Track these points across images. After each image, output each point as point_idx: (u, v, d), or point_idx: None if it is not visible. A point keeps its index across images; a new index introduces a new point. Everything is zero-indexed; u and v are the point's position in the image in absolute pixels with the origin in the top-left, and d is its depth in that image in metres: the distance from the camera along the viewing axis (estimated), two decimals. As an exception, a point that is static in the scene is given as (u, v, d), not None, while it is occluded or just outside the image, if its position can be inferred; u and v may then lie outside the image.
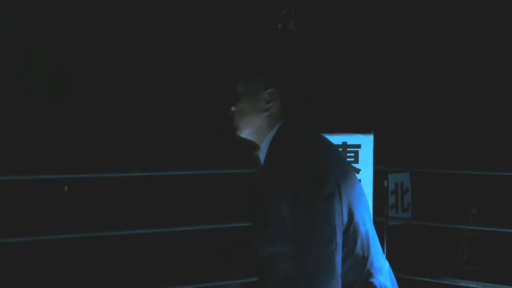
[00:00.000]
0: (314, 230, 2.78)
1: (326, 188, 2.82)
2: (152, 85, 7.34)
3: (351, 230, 2.90)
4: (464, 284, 5.59)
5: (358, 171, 4.88)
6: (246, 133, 3.06)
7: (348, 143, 4.99)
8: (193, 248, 6.82)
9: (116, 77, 7.15)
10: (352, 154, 4.95)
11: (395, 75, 7.57)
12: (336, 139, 4.84)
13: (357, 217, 2.90)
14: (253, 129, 3.03)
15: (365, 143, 5.07)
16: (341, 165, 2.96)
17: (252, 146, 3.12)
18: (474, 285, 5.46)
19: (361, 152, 4.96)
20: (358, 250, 2.93)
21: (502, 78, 6.98)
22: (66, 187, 6.56)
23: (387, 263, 3.11)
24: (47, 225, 6.32)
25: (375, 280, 2.95)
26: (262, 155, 3.02)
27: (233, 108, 3.04)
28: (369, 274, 2.95)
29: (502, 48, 7.00)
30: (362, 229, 2.95)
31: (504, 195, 6.75)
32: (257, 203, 2.99)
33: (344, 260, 2.87)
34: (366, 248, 2.96)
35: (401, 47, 7.56)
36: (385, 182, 5.64)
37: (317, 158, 2.90)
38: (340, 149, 4.92)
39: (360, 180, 4.77)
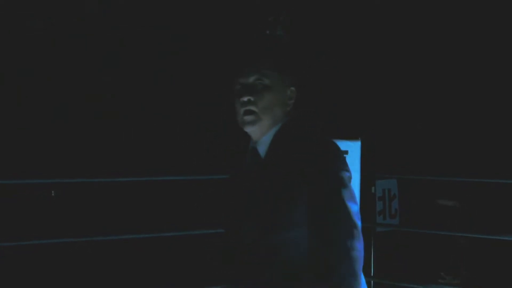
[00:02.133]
0: (344, 203, 2.89)
1: (349, 171, 2.97)
2: (151, 86, 7.36)
3: None
4: (449, 291, 5.61)
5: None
6: (262, 124, 3.02)
7: (335, 149, 4.98)
8: (193, 248, 6.85)
9: (113, 78, 7.18)
10: (339, 160, 4.95)
11: (383, 82, 7.57)
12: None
13: None
14: (271, 121, 3.02)
15: (353, 150, 5.08)
16: None
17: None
18: (459, 292, 5.50)
19: (349, 158, 4.95)
20: None
21: (490, 88, 6.97)
22: (53, 192, 6.58)
23: None
24: (35, 229, 6.35)
25: None
26: (261, 148, 3.04)
27: (251, 98, 2.98)
28: None
29: (490, 56, 6.99)
30: None
31: (493, 202, 6.75)
32: (258, 192, 3.00)
33: None
34: None
35: (390, 56, 7.56)
36: (373, 188, 5.65)
37: (337, 145, 3.02)
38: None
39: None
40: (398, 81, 7.46)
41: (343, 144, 5.03)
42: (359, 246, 2.88)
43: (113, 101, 7.08)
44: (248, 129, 3.00)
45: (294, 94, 3.07)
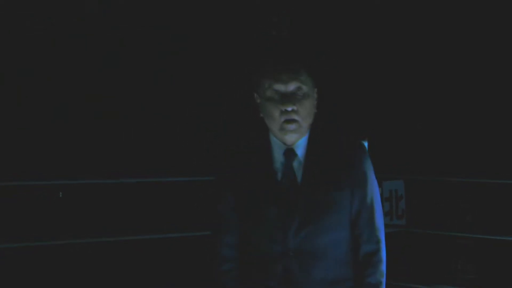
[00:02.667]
0: (379, 202, 3.16)
1: None
2: (151, 86, 7.33)
3: None
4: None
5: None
6: (302, 131, 3.09)
7: (342, 150, 4.96)
8: (193, 249, 6.83)
9: (113, 78, 7.14)
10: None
11: (389, 81, 7.55)
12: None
13: None
14: (308, 127, 3.11)
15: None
16: None
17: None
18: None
19: (355, 159, 4.92)
20: None
21: (495, 86, 6.96)
22: (60, 193, 6.55)
23: None
24: (41, 231, 6.32)
25: None
26: (300, 150, 3.09)
27: (294, 108, 3.02)
28: None
29: (494, 56, 6.98)
30: None
31: (498, 203, 6.74)
32: (302, 195, 3.05)
33: None
34: None
35: (396, 54, 7.54)
36: (380, 189, 5.64)
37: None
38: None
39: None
40: (406, 81, 7.44)
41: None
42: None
43: (113, 101, 7.04)
44: (290, 138, 3.06)
45: (318, 95, 3.15)
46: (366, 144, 5.18)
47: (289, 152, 3.09)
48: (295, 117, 3.02)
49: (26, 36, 6.86)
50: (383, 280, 3.14)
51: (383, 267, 3.12)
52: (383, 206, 6.09)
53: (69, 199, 6.65)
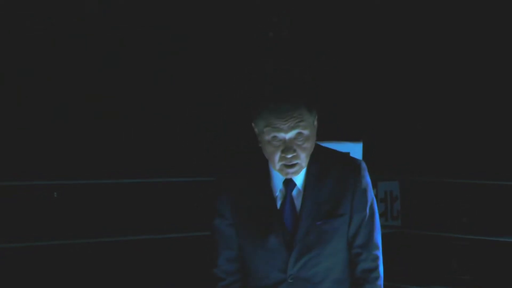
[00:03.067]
0: (377, 219, 3.15)
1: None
2: (151, 86, 7.35)
3: None
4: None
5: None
6: (302, 168, 3.06)
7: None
8: (192, 250, 6.84)
9: (113, 78, 7.16)
10: (341, 163, 4.93)
11: (384, 83, 7.55)
12: (324, 147, 4.83)
13: None
14: (308, 159, 3.06)
15: (354, 151, 5.08)
16: None
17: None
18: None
19: (350, 160, 4.92)
20: None
21: (492, 88, 6.96)
22: (55, 193, 6.57)
23: None
24: (36, 231, 6.33)
25: None
26: (298, 179, 3.08)
27: (294, 154, 2.97)
28: None
29: (493, 58, 6.98)
30: None
31: (494, 204, 6.74)
32: (301, 219, 3.08)
33: None
34: None
35: (391, 56, 7.55)
36: (375, 190, 5.63)
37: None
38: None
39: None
40: (400, 82, 7.44)
41: (344, 146, 5.03)
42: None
43: (113, 101, 7.06)
44: (289, 176, 3.05)
45: (316, 119, 3.06)
46: (361, 145, 5.20)
47: (288, 182, 3.08)
48: (296, 161, 2.99)
49: (26, 36, 6.88)
50: None
51: (380, 282, 3.11)
52: (378, 207, 6.10)
53: (67, 199, 6.68)
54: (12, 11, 6.81)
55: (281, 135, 2.94)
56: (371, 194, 3.13)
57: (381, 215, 6.27)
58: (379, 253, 3.13)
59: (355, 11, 7.68)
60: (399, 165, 6.83)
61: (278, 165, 2.99)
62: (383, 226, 6.08)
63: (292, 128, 2.93)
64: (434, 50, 7.29)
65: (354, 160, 3.13)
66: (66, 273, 6.54)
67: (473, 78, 7.04)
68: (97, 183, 6.57)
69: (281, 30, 7.51)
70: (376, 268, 3.10)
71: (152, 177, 6.71)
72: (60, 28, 6.99)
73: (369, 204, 3.09)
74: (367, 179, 3.12)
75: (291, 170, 2.99)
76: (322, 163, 3.09)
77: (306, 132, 2.95)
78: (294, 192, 3.07)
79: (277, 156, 2.98)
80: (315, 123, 3.03)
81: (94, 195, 6.71)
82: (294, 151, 2.96)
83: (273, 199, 3.08)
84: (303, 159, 3.00)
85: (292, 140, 2.94)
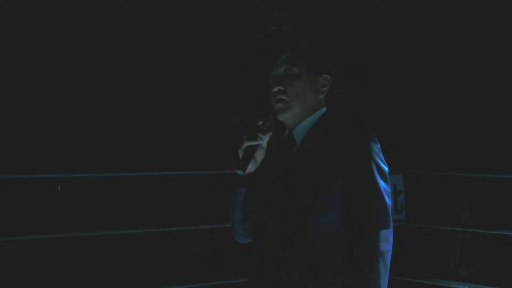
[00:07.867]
0: (381, 195, 3.00)
1: (385, 164, 3.12)
2: (151, 84, 7.36)
3: None
4: (456, 286, 5.60)
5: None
6: (293, 112, 3.15)
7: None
8: (195, 243, 6.85)
9: (115, 76, 7.17)
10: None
11: (388, 77, 7.58)
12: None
13: None
14: (303, 108, 3.15)
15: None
16: None
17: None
18: (466, 287, 5.48)
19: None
20: None
21: (495, 82, 6.98)
22: (59, 187, 6.58)
23: None
24: (40, 224, 6.34)
25: None
26: (298, 135, 3.16)
27: (281, 88, 3.12)
28: None
29: (494, 53, 7.01)
30: None
31: (497, 197, 6.76)
32: (293, 175, 3.08)
33: None
34: None
35: (397, 51, 7.57)
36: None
37: (375, 138, 3.14)
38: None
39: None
40: (403, 76, 7.47)
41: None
42: (390, 238, 3.01)
43: (117, 94, 7.09)
44: (281, 117, 3.14)
45: (328, 82, 3.23)
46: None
47: (287, 137, 3.19)
48: (282, 96, 3.13)
49: (26, 36, 6.89)
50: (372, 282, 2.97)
51: (368, 264, 2.94)
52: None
53: (72, 192, 6.70)
54: (12, 11, 6.82)
55: (273, 73, 3.16)
56: (371, 169, 2.99)
57: (385, 209, 6.29)
58: (374, 241, 2.95)
59: (356, 9, 7.71)
60: (403, 159, 6.84)
61: (273, 106, 3.16)
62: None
63: (284, 62, 3.15)
64: (437, 45, 7.32)
65: (364, 133, 3.09)
66: (70, 266, 6.55)
67: (478, 71, 7.07)
68: (102, 176, 6.57)
69: (281, 24, 7.53)
70: (365, 256, 2.94)
71: (156, 171, 6.71)
72: (60, 28, 7.01)
73: (364, 177, 2.98)
74: (372, 154, 3.03)
75: (278, 105, 3.12)
76: (328, 126, 3.14)
77: (296, 69, 3.15)
78: (295, 149, 3.16)
79: (272, 94, 3.16)
80: (322, 80, 3.19)
81: (98, 188, 6.73)
82: (280, 84, 3.12)
83: (276, 154, 3.19)
84: (291, 97, 3.13)
85: (281, 75, 3.14)
